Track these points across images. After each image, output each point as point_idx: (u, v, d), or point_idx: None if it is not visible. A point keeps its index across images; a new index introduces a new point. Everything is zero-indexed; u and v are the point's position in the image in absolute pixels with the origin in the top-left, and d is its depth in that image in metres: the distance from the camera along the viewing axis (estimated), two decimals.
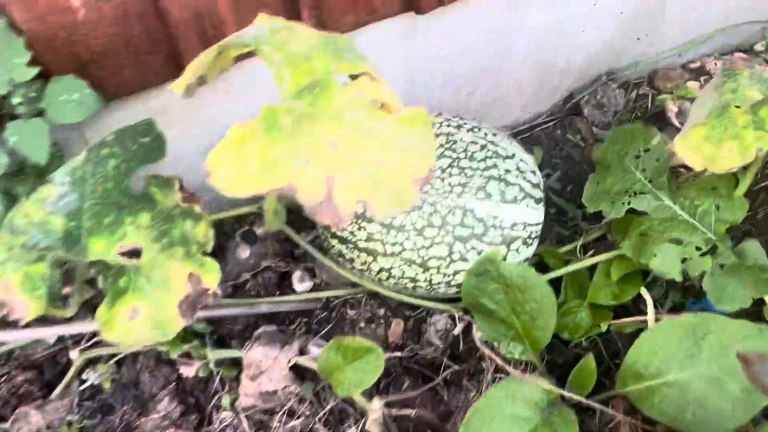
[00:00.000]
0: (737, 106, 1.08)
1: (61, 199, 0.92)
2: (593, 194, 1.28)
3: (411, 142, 0.84)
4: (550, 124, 1.59)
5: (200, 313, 1.27)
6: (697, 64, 1.63)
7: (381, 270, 1.20)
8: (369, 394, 1.16)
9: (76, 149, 1.13)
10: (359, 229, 1.16)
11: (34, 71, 0.93)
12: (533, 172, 1.22)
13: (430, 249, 1.15)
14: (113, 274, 0.91)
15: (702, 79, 1.60)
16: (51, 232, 0.90)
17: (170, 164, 1.11)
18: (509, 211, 1.16)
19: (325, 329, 1.34)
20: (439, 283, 1.20)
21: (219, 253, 1.41)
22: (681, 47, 1.58)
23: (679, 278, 1.15)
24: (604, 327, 1.32)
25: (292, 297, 1.35)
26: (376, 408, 1.11)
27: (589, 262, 1.29)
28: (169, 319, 0.94)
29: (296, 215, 1.45)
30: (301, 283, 1.38)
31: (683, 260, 1.17)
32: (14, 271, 0.86)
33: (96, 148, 0.97)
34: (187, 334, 1.30)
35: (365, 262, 1.20)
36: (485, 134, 1.22)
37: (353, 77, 0.85)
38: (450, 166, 1.16)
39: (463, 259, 1.16)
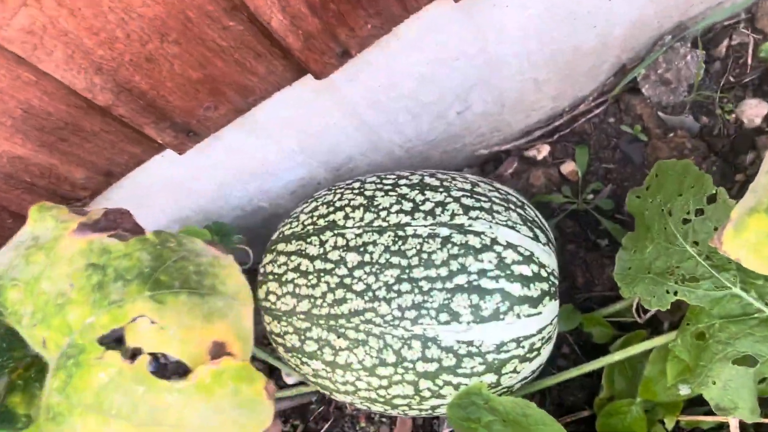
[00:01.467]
0: None
1: None
2: (628, 268, 0.89)
3: (218, 415, 0.57)
4: (598, 111, 1.14)
5: None
6: None
7: (345, 401, 0.95)
8: None
9: None
10: (302, 364, 0.92)
11: None
12: (527, 259, 0.86)
13: (390, 389, 0.88)
14: None
15: None
16: None
17: None
18: (490, 332, 0.84)
19: (323, 428, 1.15)
20: (419, 414, 0.93)
21: None
22: None
23: (750, 418, 0.77)
24: (670, 423, 0.97)
25: (281, 394, 1.16)
26: None
27: (639, 349, 0.93)
28: None
29: None
30: (290, 376, 1.18)
31: (762, 380, 0.78)
32: None
33: None
34: None
35: (326, 391, 0.96)
36: (452, 215, 0.87)
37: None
38: (398, 280, 0.84)
39: (438, 395, 0.88)
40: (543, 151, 1.16)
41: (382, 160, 1.09)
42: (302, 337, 0.89)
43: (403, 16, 0.79)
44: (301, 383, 1.17)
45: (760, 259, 0.66)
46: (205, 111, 0.81)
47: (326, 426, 1.15)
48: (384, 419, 1.12)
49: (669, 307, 0.83)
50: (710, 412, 0.95)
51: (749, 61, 1.06)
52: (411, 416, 0.93)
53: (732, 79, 1.06)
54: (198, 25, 0.69)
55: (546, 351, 0.90)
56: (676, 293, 0.82)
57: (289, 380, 1.18)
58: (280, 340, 0.93)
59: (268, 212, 1.11)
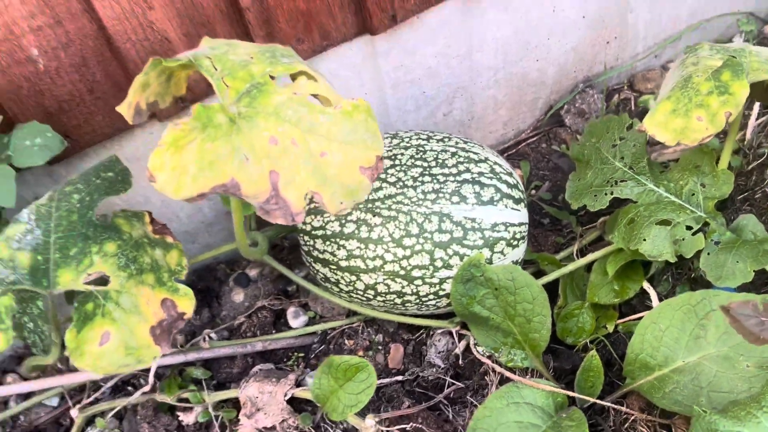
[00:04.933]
0: (699, 76, 1.06)
1: (26, 236, 0.94)
2: (575, 191, 1.26)
3: (354, 133, 0.85)
4: (534, 138, 1.58)
5: (194, 355, 1.26)
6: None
7: (366, 288, 1.18)
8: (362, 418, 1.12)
9: None
10: (339, 248, 1.16)
11: None
12: (509, 173, 1.21)
13: (411, 258, 1.13)
14: (80, 299, 0.91)
15: None
16: (17, 267, 0.92)
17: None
18: (487, 213, 1.14)
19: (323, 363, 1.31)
20: (426, 294, 1.17)
21: (214, 299, 1.41)
22: (656, 48, 1.58)
23: (672, 259, 1.10)
24: (610, 327, 1.26)
25: (286, 334, 1.33)
26: (368, 425, 1.07)
27: (583, 261, 1.25)
28: (143, 345, 0.93)
29: (287, 253, 1.46)
30: (295, 319, 1.36)
31: (675, 242, 1.12)
32: None
33: (61, 186, 0.99)
34: (184, 381, 1.28)
35: (350, 282, 1.18)
36: (456, 143, 1.22)
37: (293, 78, 0.87)
38: (422, 174, 1.15)
39: (447, 266, 1.14)
40: None
41: None
42: (342, 221, 1.15)
43: (432, 3, 1.22)
44: (306, 325, 1.35)
45: (666, 131, 1.06)
46: (296, 43, 1.15)
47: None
48: (380, 348, 1.31)
49: (607, 204, 1.19)
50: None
51: (633, 107, 1.56)
52: (424, 294, 1.14)
53: None
54: None
55: (521, 247, 1.20)
56: (612, 193, 1.19)
57: (294, 323, 1.36)
58: (320, 232, 1.17)
59: None
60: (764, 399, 0.83)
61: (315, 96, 0.86)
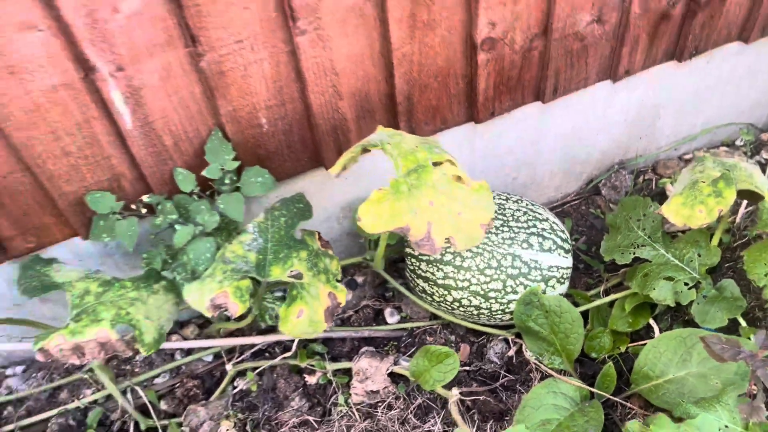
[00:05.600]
0: (703, 182, 1.55)
1: (253, 242, 1.44)
2: (608, 248, 1.75)
3: (478, 202, 1.34)
4: (576, 201, 2.07)
5: (321, 334, 1.75)
6: (689, 156, 2.11)
7: (454, 301, 1.67)
8: (448, 390, 1.60)
9: (253, 215, 1.66)
10: (438, 270, 1.65)
11: (237, 163, 1.47)
12: (563, 231, 1.70)
13: (490, 284, 1.62)
14: (290, 286, 1.41)
15: None
16: (248, 262, 1.41)
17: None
18: (546, 257, 1.63)
19: (410, 351, 1.80)
20: (497, 310, 1.66)
21: None
22: (675, 143, 2.08)
23: (672, 304, 1.58)
24: (623, 348, 1.74)
25: (385, 327, 1.82)
26: (454, 393, 1.55)
27: (609, 299, 1.74)
28: (319, 320, 1.42)
29: (387, 267, 1.95)
30: (391, 317, 1.85)
31: (675, 293, 1.61)
32: (228, 285, 1.37)
33: (270, 210, 1.50)
34: (310, 353, 1.77)
35: (442, 296, 1.67)
36: (526, 204, 1.71)
37: (438, 163, 1.37)
38: (502, 225, 1.65)
39: (514, 292, 1.62)
40: None
41: None
42: (443, 251, 1.64)
43: (520, 104, 1.72)
44: (398, 323, 1.84)
45: (676, 217, 1.55)
46: (424, 125, 1.66)
47: (412, 350, 1.80)
48: (452, 345, 1.80)
49: (630, 261, 1.67)
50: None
51: (654, 187, 2.05)
52: (495, 310, 1.63)
53: (645, 193, 2.04)
54: (448, 77, 1.58)
55: (566, 284, 1.69)
56: (634, 253, 1.68)
57: (390, 320, 1.85)
58: (425, 257, 1.66)
59: None
60: (721, 397, 1.31)
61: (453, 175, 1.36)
